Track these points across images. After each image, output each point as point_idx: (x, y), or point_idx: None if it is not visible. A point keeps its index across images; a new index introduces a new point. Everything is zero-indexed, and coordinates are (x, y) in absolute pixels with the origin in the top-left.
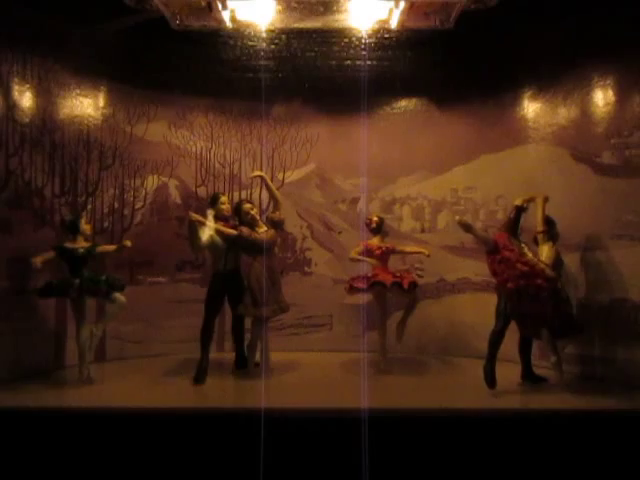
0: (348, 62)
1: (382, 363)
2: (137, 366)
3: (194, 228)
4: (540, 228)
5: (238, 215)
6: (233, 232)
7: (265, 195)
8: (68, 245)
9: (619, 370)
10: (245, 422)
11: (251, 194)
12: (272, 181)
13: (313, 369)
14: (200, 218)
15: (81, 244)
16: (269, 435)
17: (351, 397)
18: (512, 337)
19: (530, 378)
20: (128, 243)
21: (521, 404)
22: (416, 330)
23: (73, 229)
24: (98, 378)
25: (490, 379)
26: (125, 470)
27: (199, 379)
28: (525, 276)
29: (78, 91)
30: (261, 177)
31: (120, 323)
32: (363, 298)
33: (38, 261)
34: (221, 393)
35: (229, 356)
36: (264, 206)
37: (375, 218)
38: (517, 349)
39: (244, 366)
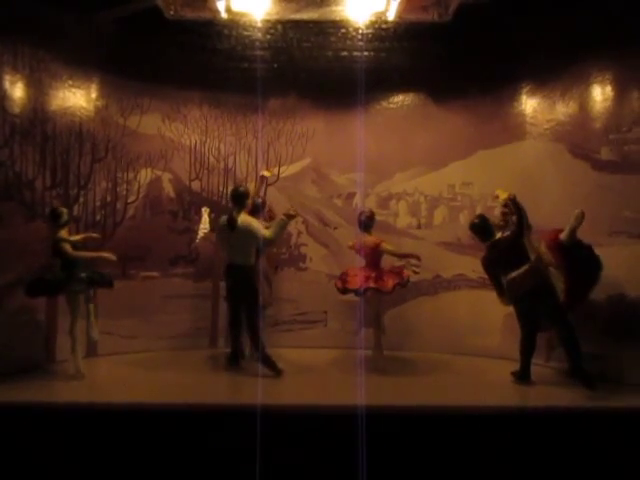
0: (345, 53)
1: (379, 361)
2: (129, 361)
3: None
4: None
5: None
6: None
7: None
8: (68, 237)
9: (616, 367)
10: (241, 419)
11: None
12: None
13: (308, 366)
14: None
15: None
16: (265, 431)
17: (347, 395)
18: (508, 335)
19: (526, 378)
20: (95, 235)
21: (519, 401)
22: (412, 327)
23: (67, 220)
24: (89, 373)
25: (591, 381)
26: (118, 467)
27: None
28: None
29: (70, 82)
30: (267, 178)
31: (112, 318)
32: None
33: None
34: (220, 389)
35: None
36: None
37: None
38: (519, 348)
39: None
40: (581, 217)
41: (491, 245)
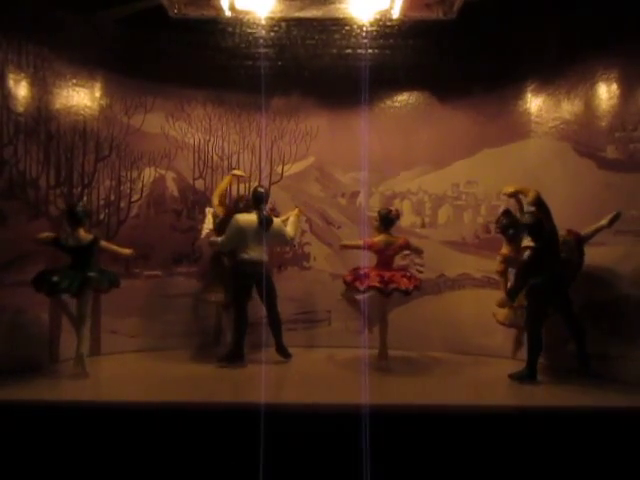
0: (349, 51)
1: (383, 361)
2: (132, 360)
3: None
4: None
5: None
6: None
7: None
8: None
9: (622, 367)
10: (244, 417)
11: (249, 188)
12: (271, 174)
13: (311, 365)
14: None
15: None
16: (268, 430)
17: (351, 394)
18: (512, 335)
19: (533, 378)
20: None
21: (523, 401)
22: (416, 326)
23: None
24: (93, 372)
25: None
26: (123, 465)
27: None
28: None
29: (74, 81)
30: (240, 177)
31: (115, 317)
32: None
33: (126, 252)
34: (223, 388)
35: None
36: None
37: None
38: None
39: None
40: (617, 219)
41: (539, 248)
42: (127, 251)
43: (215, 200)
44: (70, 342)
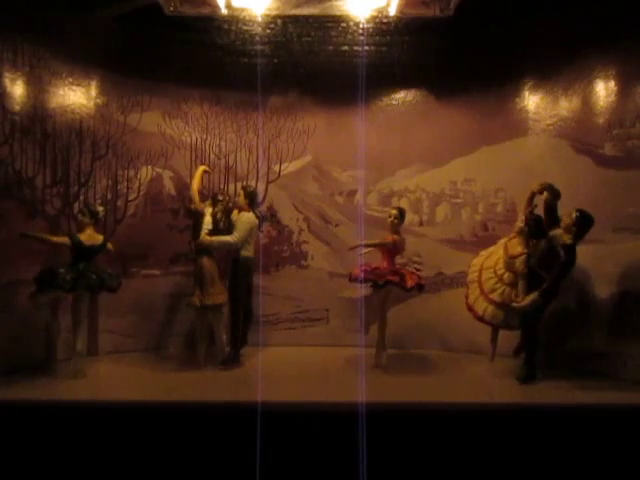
0: (345, 48)
1: (383, 358)
2: (130, 360)
3: None
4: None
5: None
6: None
7: (261, 187)
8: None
9: (619, 364)
10: (241, 416)
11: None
12: (269, 173)
13: (309, 364)
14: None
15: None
16: (266, 429)
17: (349, 393)
18: (510, 333)
19: (534, 378)
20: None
21: (522, 399)
22: (414, 324)
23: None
24: (90, 372)
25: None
26: (120, 465)
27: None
28: None
29: (70, 79)
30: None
31: (113, 316)
32: (361, 292)
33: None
34: (221, 387)
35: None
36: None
37: None
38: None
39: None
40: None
41: (575, 246)
42: (111, 246)
43: (196, 197)
44: (68, 342)
